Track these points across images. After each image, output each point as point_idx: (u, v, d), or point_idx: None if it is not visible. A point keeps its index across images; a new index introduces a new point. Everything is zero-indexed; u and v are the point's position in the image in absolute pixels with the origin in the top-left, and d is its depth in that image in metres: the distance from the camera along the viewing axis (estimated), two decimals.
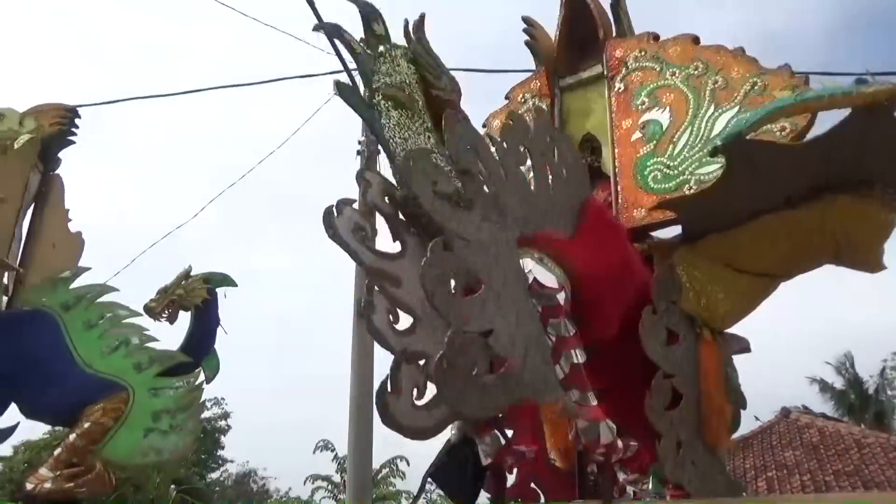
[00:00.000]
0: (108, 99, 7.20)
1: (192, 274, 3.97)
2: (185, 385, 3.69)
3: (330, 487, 13.95)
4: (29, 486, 3.29)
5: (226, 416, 23.11)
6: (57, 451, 3.40)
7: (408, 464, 14.71)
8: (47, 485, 3.27)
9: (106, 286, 3.76)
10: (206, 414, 22.87)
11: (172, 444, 3.56)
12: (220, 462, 23.38)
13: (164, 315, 3.86)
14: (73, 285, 3.70)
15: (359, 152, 8.77)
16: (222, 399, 23.10)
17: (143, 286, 4.02)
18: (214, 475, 23.73)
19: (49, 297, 3.58)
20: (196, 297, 3.91)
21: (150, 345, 3.73)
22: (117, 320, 3.69)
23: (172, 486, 15.15)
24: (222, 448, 23.33)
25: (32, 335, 3.49)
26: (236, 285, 4.05)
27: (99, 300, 3.68)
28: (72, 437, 3.38)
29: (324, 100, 9.18)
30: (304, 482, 14.17)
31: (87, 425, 3.40)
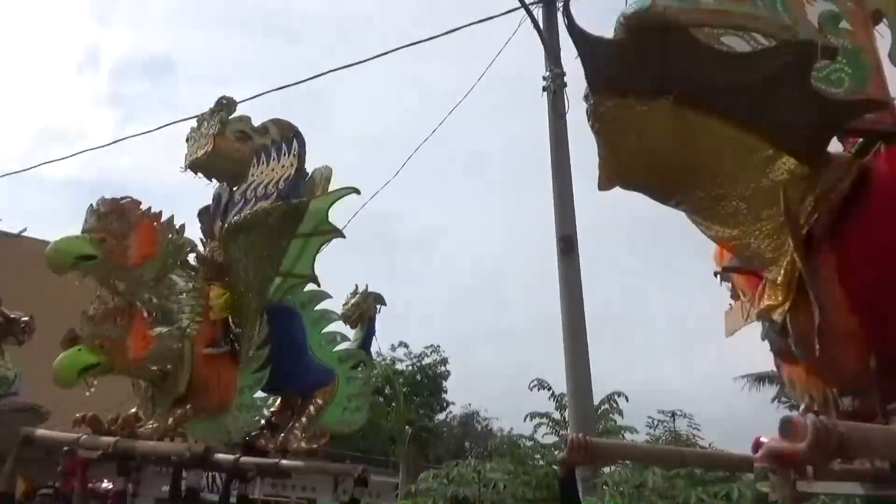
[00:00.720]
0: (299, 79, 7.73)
1: (361, 291, 5.03)
2: (363, 376, 4.67)
3: (551, 424, 14.35)
4: (293, 444, 4.18)
5: (444, 361, 24.71)
6: (303, 420, 4.33)
7: (626, 399, 14.70)
8: (303, 443, 4.21)
9: (325, 292, 4.47)
10: (426, 360, 24.67)
11: (355, 421, 4.56)
12: (444, 405, 25.16)
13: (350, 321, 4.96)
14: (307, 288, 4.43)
15: (545, 88, 8.65)
16: (438, 346, 24.73)
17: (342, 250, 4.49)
18: (440, 416, 25.66)
19: (293, 294, 4.28)
20: (372, 310, 5.01)
21: (345, 344, 4.68)
22: (329, 321, 4.57)
23: (407, 427, 16.63)
24: (445, 392, 25.07)
25: (285, 324, 4.19)
26: (385, 304, 5.12)
27: (321, 304, 4.50)
28: (311, 409, 4.36)
29: (501, 46, 9.14)
30: (525, 419, 14.71)
31: (319, 402, 4.40)
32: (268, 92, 8.83)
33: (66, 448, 4.00)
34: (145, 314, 3.85)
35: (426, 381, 24.19)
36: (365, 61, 8.81)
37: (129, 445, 3.82)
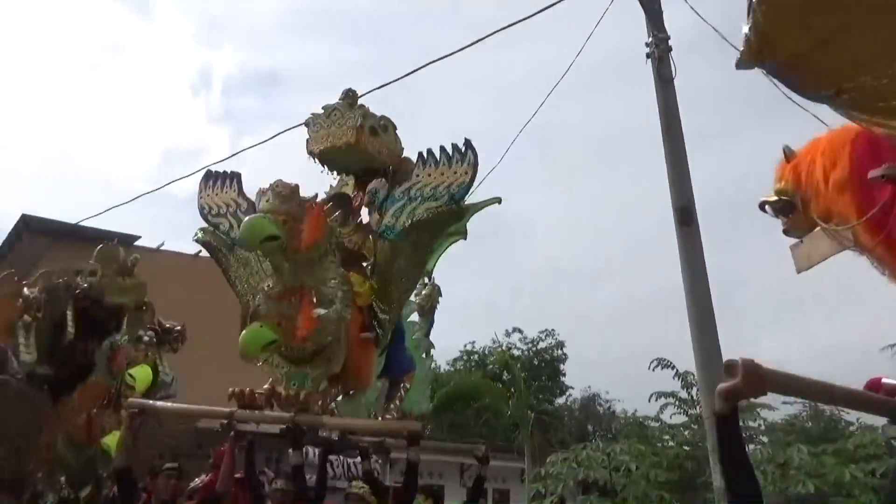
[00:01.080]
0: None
1: (430, 282, 5.40)
2: (429, 363, 5.35)
3: (678, 403, 13.88)
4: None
5: (560, 345, 24.47)
6: (396, 402, 4.85)
7: None
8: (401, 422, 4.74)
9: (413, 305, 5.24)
10: (541, 345, 24.54)
11: (426, 405, 5.30)
12: (563, 388, 24.94)
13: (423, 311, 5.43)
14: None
15: (648, 55, 8.33)
16: (553, 330, 24.52)
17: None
18: (560, 400, 25.46)
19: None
20: (436, 301, 5.47)
21: (418, 332, 5.38)
22: (412, 310, 5.32)
23: (529, 412, 16.68)
24: (563, 376, 24.83)
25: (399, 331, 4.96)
26: (442, 295, 5.54)
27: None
28: (402, 392, 4.88)
29: (595, 18, 8.88)
30: (650, 399, 14.30)
31: (407, 385, 4.98)
32: (373, 91, 9.02)
33: (234, 425, 4.29)
34: (312, 296, 4.10)
35: (543, 366, 24.07)
36: (459, 51, 8.77)
37: (315, 420, 4.06)
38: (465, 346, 25.83)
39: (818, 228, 2.80)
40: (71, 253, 13.94)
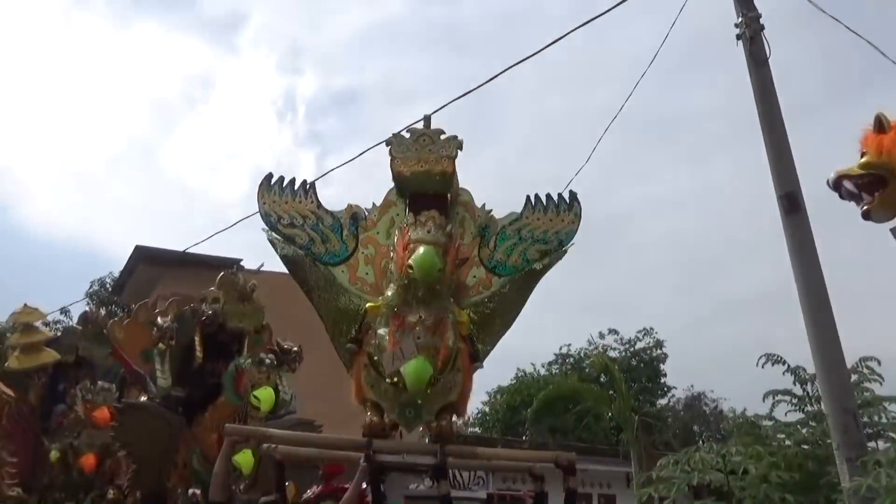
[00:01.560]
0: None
1: None
2: None
3: (794, 401, 13.30)
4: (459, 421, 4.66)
5: (659, 344, 23.91)
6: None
7: (878, 363, 13.18)
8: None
9: None
10: (639, 345, 24.05)
11: None
12: (664, 389, 24.36)
13: None
14: None
15: (738, 36, 8.14)
16: (651, 329, 23.99)
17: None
18: (662, 401, 24.86)
19: None
20: None
21: None
22: None
23: (633, 414, 16.44)
24: (664, 376, 24.26)
25: None
26: None
27: None
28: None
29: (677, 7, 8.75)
30: (764, 398, 13.76)
31: None
32: (451, 102, 9.21)
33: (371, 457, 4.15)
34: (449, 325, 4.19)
35: (642, 366, 23.61)
36: (540, 51, 8.87)
37: (467, 451, 4.15)
38: (560, 348, 25.72)
39: None
40: (181, 279, 15.15)
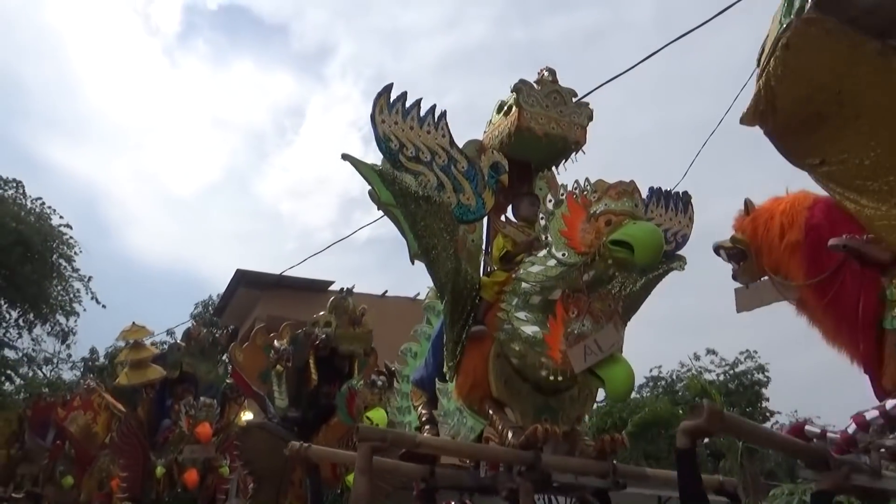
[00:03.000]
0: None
1: None
2: None
3: None
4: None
5: (761, 368, 23.16)
6: None
7: None
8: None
9: None
10: (739, 368, 23.33)
11: None
12: (767, 414, 23.54)
13: None
14: None
15: None
16: (755, 352, 23.27)
17: None
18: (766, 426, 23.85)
19: None
20: None
21: None
22: None
23: (738, 440, 15.99)
24: (766, 400, 23.44)
25: None
26: None
27: None
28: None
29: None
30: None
31: None
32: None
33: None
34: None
35: (742, 390, 22.96)
36: (626, 71, 8.85)
37: (638, 472, 3.76)
38: (651, 370, 25.29)
39: (766, 278, 3.01)
40: (277, 301, 16.08)
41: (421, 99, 3.92)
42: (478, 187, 3.89)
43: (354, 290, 7.34)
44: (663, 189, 4.50)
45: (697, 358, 23.43)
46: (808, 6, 2.29)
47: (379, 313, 7.86)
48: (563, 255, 3.57)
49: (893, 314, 2.44)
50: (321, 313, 7.16)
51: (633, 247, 3.15)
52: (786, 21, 2.35)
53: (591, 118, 4.27)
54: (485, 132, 4.50)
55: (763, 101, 2.39)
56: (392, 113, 3.79)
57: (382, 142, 3.71)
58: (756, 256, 3.11)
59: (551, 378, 3.55)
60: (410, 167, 3.74)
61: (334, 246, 16.64)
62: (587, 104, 4.32)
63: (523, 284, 3.74)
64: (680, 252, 4.36)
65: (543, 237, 3.74)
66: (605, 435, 3.70)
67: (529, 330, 3.62)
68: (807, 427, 2.66)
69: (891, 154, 2.27)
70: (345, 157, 3.79)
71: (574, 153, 4.33)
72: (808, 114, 2.34)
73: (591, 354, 3.27)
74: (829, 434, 2.57)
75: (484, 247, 4.45)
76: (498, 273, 4.06)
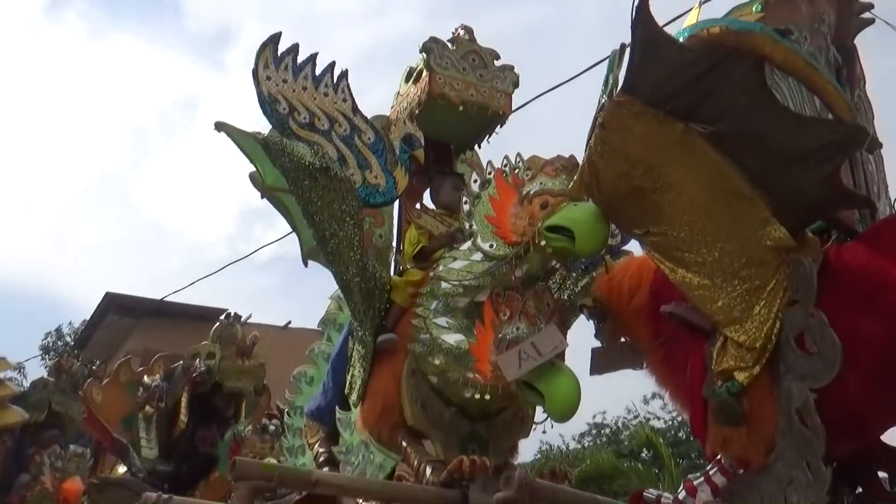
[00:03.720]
0: None
1: None
2: None
3: None
4: None
5: None
6: None
7: None
8: None
9: None
10: None
11: None
12: None
13: None
14: None
15: None
16: None
17: None
18: None
19: None
20: None
21: None
22: None
23: None
24: None
25: None
26: None
27: None
28: None
29: None
30: None
31: None
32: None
33: None
34: None
35: (692, 439, 22.43)
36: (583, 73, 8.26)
37: None
38: (594, 417, 24.55)
39: (622, 340, 3.06)
40: (157, 331, 13.29)
41: (317, 54, 3.42)
42: (387, 164, 3.39)
43: (252, 320, 6.43)
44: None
45: (646, 402, 22.77)
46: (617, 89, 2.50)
47: (282, 347, 6.81)
48: (491, 246, 3.14)
49: (712, 383, 2.48)
50: (203, 343, 6.16)
51: (572, 233, 2.77)
52: (602, 101, 2.64)
53: (516, 84, 3.90)
54: (392, 106, 4.00)
55: (587, 174, 2.62)
56: (280, 69, 3.32)
57: (268, 103, 3.25)
58: (612, 317, 3.08)
59: (478, 397, 3.08)
60: (303, 135, 3.31)
61: (231, 266, 12.47)
62: (512, 67, 3.90)
63: (443, 284, 3.25)
64: (626, 248, 3.66)
65: (467, 226, 3.24)
66: (547, 470, 3.38)
67: (452, 339, 3.17)
68: (645, 493, 2.65)
69: (701, 228, 2.45)
70: (219, 126, 3.42)
71: (499, 126, 3.96)
72: (629, 187, 2.54)
73: (526, 360, 2.82)
74: (663, 500, 2.57)
75: (395, 244, 3.93)
76: (412, 272, 3.51)
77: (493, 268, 3.13)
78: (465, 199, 3.26)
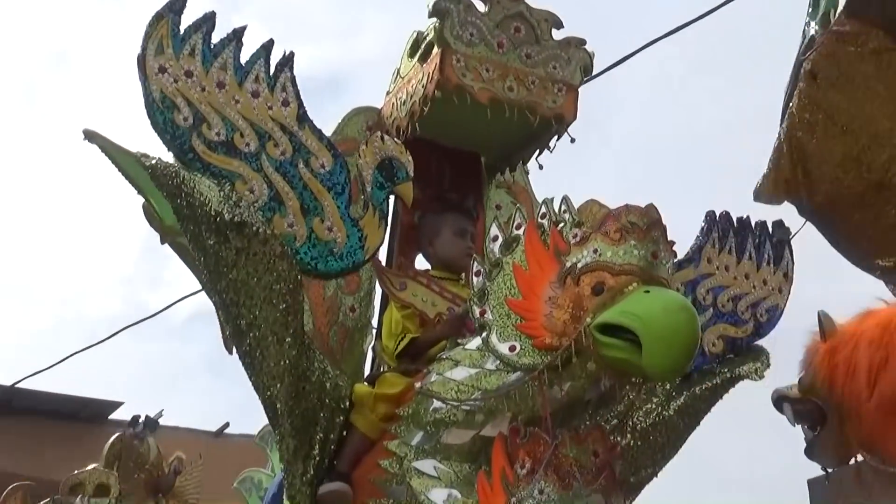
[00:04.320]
0: None
1: None
2: None
3: None
4: None
5: None
6: None
7: None
8: None
9: None
10: None
11: None
12: None
13: None
14: None
15: None
16: None
17: None
18: None
19: None
20: None
21: None
22: None
23: None
24: None
25: None
26: None
27: None
28: None
29: None
30: None
31: None
32: None
33: None
34: None
35: None
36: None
37: None
38: None
39: (861, 460, 2.31)
40: (8, 440, 8.74)
41: (243, 29, 2.36)
42: (350, 210, 2.39)
43: (166, 422, 4.61)
44: (734, 217, 2.92)
45: None
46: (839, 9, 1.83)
47: (215, 460, 4.97)
48: (513, 348, 2.15)
49: None
50: (91, 467, 4.36)
51: (640, 338, 1.89)
52: (811, 30, 1.96)
53: (587, 70, 2.90)
54: (388, 93, 3.05)
55: (788, 163, 2.01)
56: (183, 54, 2.29)
57: (159, 111, 2.26)
58: (840, 421, 2.28)
59: None
60: (215, 161, 2.28)
61: (127, 331, 7.05)
62: (581, 42, 2.86)
63: (434, 405, 2.29)
64: (759, 342, 2.92)
65: (477, 312, 2.22)
66: None
67: (440, 497, 2.24)
68: None
69: None
70: (89, 135, 2.57)
71: (554, 137, 2.90)
72: (866, 182, 1.92)
73: None
74: None
75: (376, 323, 3.01)
76: (389, 379, 2.61)
77: (515, 384, 2.17)
78: (476, 266, 2.29)
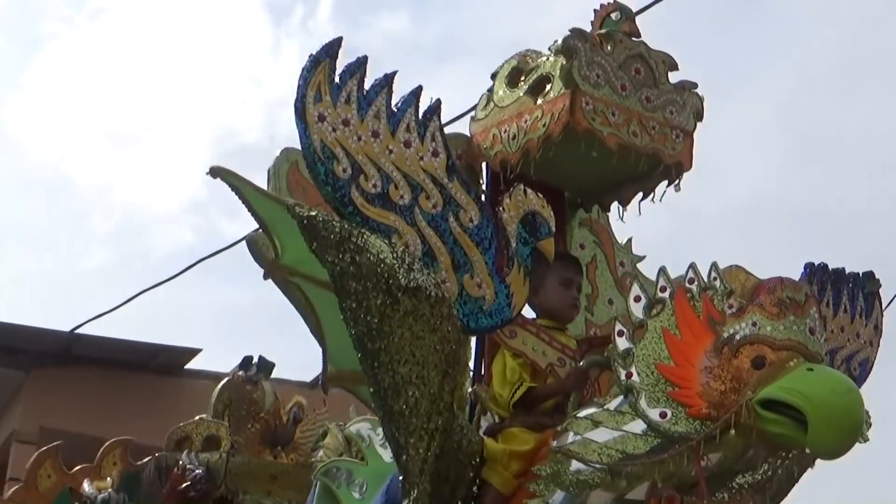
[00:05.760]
0: None
1: None
2: None
3: None
4: None
5: None
6: None
7: None
8: None
9: None
10: None
11: None
12: None
13: None
14: None
15: None
16: None
17: None
18: None
19: None
20: None
21: None
22: None
23: None
24: None
25: None
26: None
27: None
28: None
29: None
30: None
31: None
32: None
33: None
34: None
35: None
36: None
37: None
38: None
39: None
40: (70, 390, 7.61)
41: (394, 74, 2.46)
42: (497, 265, 2.53)
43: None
44: (829, 268, 3.06)
45: None
46: None
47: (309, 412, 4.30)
48: (664, 415, 2.28)
49: None
50: (197, 418, 3.94)
51: (806, 417, 2.01)
52: None
53: (699, 116, 2.97)
54: (475, 119, 3.10)
55: None
56: (339, 102, 2.35)
57: (320, 161, 2.36)
58: None
59: None
60: (373, 215, 2.40)
61: (201, 266, 6.55)
62: (693, 86, 2.96)
63: (576, 466, 2.37)
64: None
65: (622, 374, 2.33)
66: None
67: None
68: None
69: None
70: (217, 172, 2.40)
71: (672, 184, 3.01)
72: None
73: None
74: None
75: (472, 373, 2.95)
76: (517, 435, 2.64)
77: (665, 451, 2.23)
78: (619, 326, 2.39)
